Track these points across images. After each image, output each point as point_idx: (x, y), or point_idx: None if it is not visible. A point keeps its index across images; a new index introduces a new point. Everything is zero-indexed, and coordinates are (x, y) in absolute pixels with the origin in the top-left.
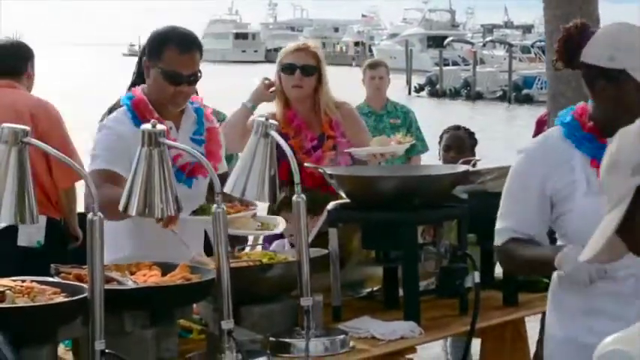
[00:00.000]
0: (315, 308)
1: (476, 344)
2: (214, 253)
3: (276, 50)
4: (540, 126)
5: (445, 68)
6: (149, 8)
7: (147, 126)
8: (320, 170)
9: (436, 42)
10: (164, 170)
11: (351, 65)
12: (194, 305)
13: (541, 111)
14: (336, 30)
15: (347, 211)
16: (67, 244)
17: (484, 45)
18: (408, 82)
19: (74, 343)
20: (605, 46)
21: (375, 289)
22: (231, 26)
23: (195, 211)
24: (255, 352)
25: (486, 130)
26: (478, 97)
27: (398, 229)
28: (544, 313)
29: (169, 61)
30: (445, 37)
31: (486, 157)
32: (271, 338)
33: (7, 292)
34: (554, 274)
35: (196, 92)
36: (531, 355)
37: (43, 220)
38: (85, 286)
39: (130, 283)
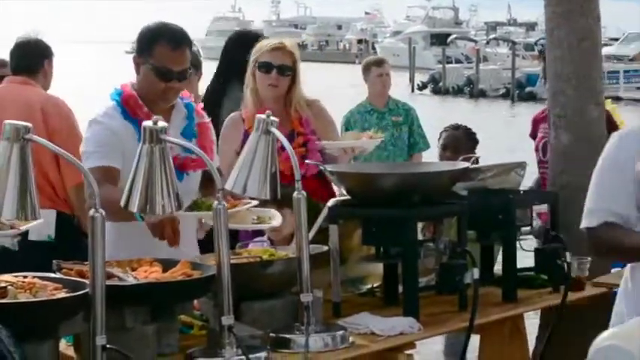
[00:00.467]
0: (314, 304)
1: (475, 340)
2: (215, 249)
3: None
4: (536, 124)
5: (448, 66)
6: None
7: (148, 123)
8: (321, 167)
9: (439, 40)
10: (165, 167)
11: (354, 63)
12: (195, 301)
13: None
14: (340, 27)
15: (347, 207)
16: (80, 238)
17: (487, 42)
18: (411, 80)
19: (75, 338)
20: None
21: (375, 285)
22: (234, 24)
23: (189, 206)
24: (255, 348)
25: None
26: (481, 94)
27: (398, 226)
28: (543, 309)
29: (160, 57)
30: (448, 35)
31: (488, 154)
32: (271, 334)
33: (9, 287)
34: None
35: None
36: (530, 351)
37: (52, 214)
38: (86, 282)
39: (130, 279)
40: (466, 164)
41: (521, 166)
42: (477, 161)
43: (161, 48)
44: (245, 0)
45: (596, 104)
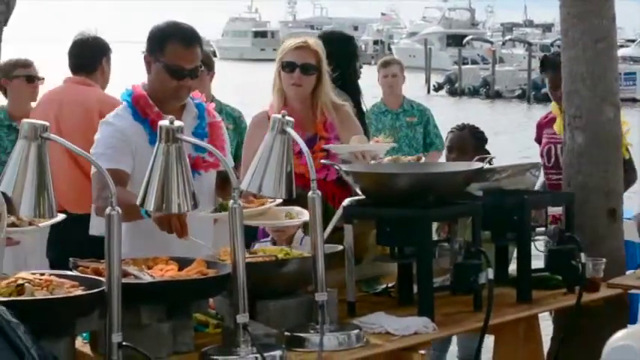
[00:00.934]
0: (329, 303)
1: (489, 341)
2: (230, 249)
3: None
4: (540, 129)
5: (464, 67)
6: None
7: (164, 122)
8: (335, 167)
9: (455, 41)
10: (181, 166)
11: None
12: (210, 300)
13: None
14: (356, 28)
15: (362, 207)
16: None
17: (503, 44)
18: (427, 81)
19: (92, 335)
20: None
21: (389, 285)
22: (251, 24)
23: (215, 208)
24: (270, 346)
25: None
26: (497, 95)
27: (413, 226)
28: (557, 310)
29: (172, 55)
30: (464, 36)
31: (503, 155)
32: (286, 332)
33: (27, 284)
34: None
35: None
36: (545, 352)
37: None
38: (102, 279)
39: (146, 278)
40: (481, 165)
41: (537, 166)
42: (491, 162)
43: (173, 46)
44: (261, 1)
45: (611, 105)
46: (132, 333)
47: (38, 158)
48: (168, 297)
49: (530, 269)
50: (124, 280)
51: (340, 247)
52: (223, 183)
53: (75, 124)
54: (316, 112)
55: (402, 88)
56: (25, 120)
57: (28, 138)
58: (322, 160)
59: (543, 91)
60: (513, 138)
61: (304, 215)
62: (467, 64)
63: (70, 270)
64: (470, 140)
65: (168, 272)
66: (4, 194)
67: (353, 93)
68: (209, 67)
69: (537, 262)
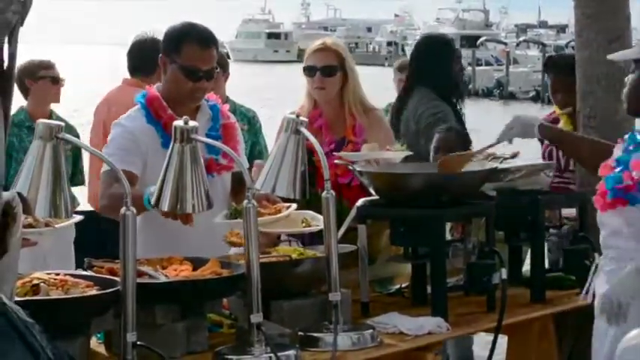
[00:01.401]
0: (343, 303)
1: (503, 341)
2: (245, 249)
3: None
4: None
5: (478, 68)
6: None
7: (179, 122)
8: (350, 167)
9: (469, 42)
10: (196, 166)
11: (383, 65)
12: (224, 300)
13: None
14: (369, 30)
15: (376, 207)
16: None
17: (517, 45)
18: None
19: (106, 335)
20: None
21: (403, 285)
22: (264, 26)
23: (230, 212)
24: (284, 346)
25: None
26: (511, 97)
27: (426, 226)
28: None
29: (188, 56)
30: (478, 37)
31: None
32: (300, 332)
33: (42, 284)
34: None
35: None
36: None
37: None
38: (117, 279)
39: (161, 277)
40: (495, 164)
41: (550, 167)
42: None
43: (189, 47)
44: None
45: None
46: (146, 333)
47: (53, 159)
48: (183, 297)
49: (544, 269)
50: (139, 280)
51: (354, 248)
52: (238, 186)
53: None
54: (344, 114)
55: None
56: (40, 120)
57: (43, 138)
58: (336, 161)
59: None
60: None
61: (320, 222)
62: (481, 65)
63: (85, 270)
64: (457, 141)
65: (182, 272)
66: (19, 195)
67: (451, 96)
68: (224, 68)
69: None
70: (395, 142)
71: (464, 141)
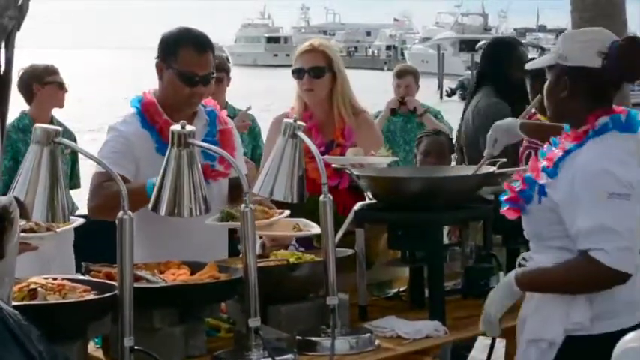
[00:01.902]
0: (341, 307)
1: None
2: (242, 253)
3: None
4: None
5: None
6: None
7: (176, 127)
8: (347, 171)
9: (468, 46)
10: (193, 171)
11: (382, 69)
12: (222, 304)
13: None
14: (369, 34)
15: (374, 211)
16: None
17: None
18: (440, 86)
19: (104, 339)
20: None
21: (401, 289)
22: (263, 30)
23: (221, 216)
24: (282, 350)
25: None
26: None
27: (424, 230)
28: None
29: (185, 61)
30: (477, 41)
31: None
32: (298, 336)
33: (39, 289)
34: None
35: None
36: None
37: None
38: (114, 284)
39: (159, 282)
40: (492, 168)
41: None
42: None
43: (186, 52)
44: (274, 6)
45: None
46: (144, 337)
47: (51, 163)
48: (181, 301)
49: None
50: (136, 284)
51: (351, 251)
52: (235, 191)
53: None
54: (334, 116)
55: (415, 96)
56: (37, 125)
57: (40, 143)
58: (334, 165)
59: None
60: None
61: (312, 229)
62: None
63: (83, 274)
64: (447, 145)
65: (180, 276)
66: (17, 199)
67: (511, 96)
68: (227, 72)
69: None
70: (381, 147)
71: (452, 145)
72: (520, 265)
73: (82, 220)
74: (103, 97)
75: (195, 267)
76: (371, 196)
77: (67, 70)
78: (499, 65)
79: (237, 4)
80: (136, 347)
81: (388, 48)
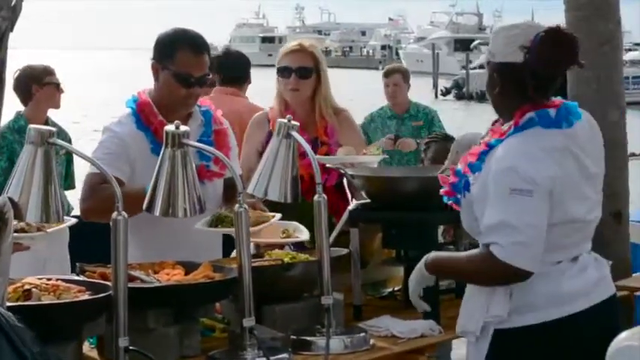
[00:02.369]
0: (335, 307)
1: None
2: (237, 253)
3: None
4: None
5: (472, 71)
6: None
7: (170, 127)
8: (341, 170)
9: (463, 45)
10: (187, 171)
11: (377, 69)
12: (217, 304)
13: None
14: (363, 33)
15: (368, 211)
16: None
17: None
18: (435, 86)
19: (99, 340)
20: None
21: (395, 288)
22: (258, 30)
23: (212, 220)
24: (277, 350)
25: None
26: None
27: (418, 229)
28: None
29: (181, 63)
30: (472, 41)
31: None
32: (292, 336)
33: (34, 289)
34: None
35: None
36: None
37: None
38: (109, 284)
39: (153, 282)
40: None
41: None
42: None
43: (182, 54)
44: (269, 6)
45: (617, 108)
46: (138, 337)
47: (45, 163)
48: (175, 301)
49: None
50: (131, 285)
51: (346, 251)
52: (229, 191)
53: None
54: (315, 115)
55: (406, 95)
56: (31, 125)
57: (34, 143)
58: (328, 165)
59: None
60: None
61: (302, 234)
62: (474, 68)
63: (77, 275)
64: None
65: (174, 276)
66: (11, 200)
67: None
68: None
69: None
70: (370, 145)
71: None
72: None
73: (74, 220)
74: (102, 97)
75: (189, 267)
76: (357, 195)
77: (66, 71)
78: None
79: (237, 5)
80: (130, 347)
81: (383, 47)
